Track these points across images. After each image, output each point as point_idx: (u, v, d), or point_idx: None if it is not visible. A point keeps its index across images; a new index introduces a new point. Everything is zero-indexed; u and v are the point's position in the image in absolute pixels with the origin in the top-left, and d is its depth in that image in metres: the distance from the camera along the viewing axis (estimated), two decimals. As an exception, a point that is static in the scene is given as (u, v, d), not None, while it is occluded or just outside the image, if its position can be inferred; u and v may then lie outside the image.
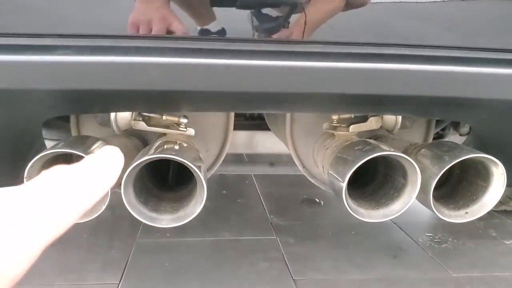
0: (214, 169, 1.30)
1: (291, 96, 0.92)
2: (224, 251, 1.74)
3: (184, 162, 0.92)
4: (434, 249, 1.84)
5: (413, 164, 0.98)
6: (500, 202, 2.06)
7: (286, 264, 1.66)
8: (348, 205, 1.01)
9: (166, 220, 0.98)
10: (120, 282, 1.49)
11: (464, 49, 0.93)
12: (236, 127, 1.68)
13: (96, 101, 0.93)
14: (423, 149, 1.12)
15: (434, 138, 1.56)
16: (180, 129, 1.11)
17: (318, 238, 1.89)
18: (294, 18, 0.88)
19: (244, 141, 1.80)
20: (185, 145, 1.06)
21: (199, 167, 0.94)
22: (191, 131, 1.12)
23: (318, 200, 2.34)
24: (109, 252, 1.70)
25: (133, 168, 0.91)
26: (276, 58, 0.85)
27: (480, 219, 2.14)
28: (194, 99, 0.94)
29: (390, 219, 1.06)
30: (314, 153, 1.29)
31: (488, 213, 2.27)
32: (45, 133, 1.34)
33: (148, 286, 1.49)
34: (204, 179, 0.94)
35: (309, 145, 1.31)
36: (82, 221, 0.96)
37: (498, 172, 1.01)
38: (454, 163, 0.98)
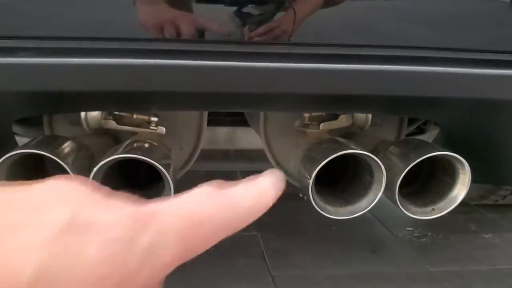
0: (188, 166, 1.31)
1: (258, 97, 0.93)
2: (204, 247, 1.75)
3: (150, 162, 0.93)
4: (413, 244, 1.86)
5: (378, 162, 1.00)
6: (481, 196, 2.09)
7: (265, 260, 1.68)
8: (315, 202, 1.03)
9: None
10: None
11: (429, 49, 0.94)
12: (217, 123, 1.69)
13: (64, 101, 0.94)
14: (391, 147, 1.13)
15: (414, 133, 1.58)
16: (151, 127, 1.12)
17: (298, 234, 1.90)
18: (263, 19, 0.88)
19: (225, 137, 1.81)
20: (155, 144, 1.07)
21: (166, 166, 0.95)
22: (161, 130, 1.13)
23: (300, 195, 2.35)
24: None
25: (99, 168, 0.92)
26: (245, 59, 0.86)
27: (460, 213, 2.17)
28: (162, 99, 0.95)
29: (360, 215, 1.07)
30: (287, 150, 1.31)
31: (469, 207, 2.30)
32: (19, 129, 1.35)
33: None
34: (172, 178, 0.95)
35: (283, 142, 1.33)
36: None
37: (464, 169, 1.03)
38: (418, 160, 1.00)
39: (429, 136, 1.65)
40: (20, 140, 1.13)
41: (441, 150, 1.01)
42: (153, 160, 0.93)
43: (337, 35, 0.91)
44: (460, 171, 1.05)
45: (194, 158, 1.31)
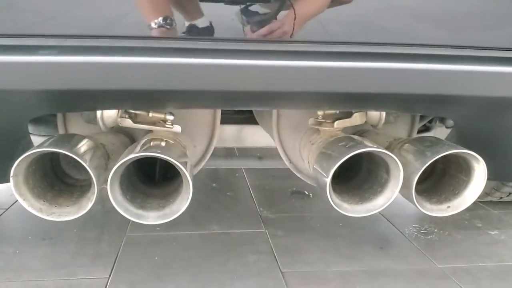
0: (201, 164, 1.32)
1: (276, 95, 0.93)
2: (213, 244, 1.76)
3: (169, 160, 0.93)
4: (420, 240, 1.87)
5: (395, 160, 1.00)
6: (486, 193, 2.10)
7: (275, 256, 1.68)
8: (332, 200, 1.03)
9: (152, 218, 0.99)
10: (110, 276, 1.50)
11: (445, 47, 0.94)
12: (224, 121, 1.69)
13: (81, 100, 0.94)
14: (406, 144, 1.14)
15: (421, 131, 1.59)
16: (167, 126, 1.12)
17: (306, 230, 1.91)
18: (278, 16, 0.88)
19: (232, 135, 1.82)
20: (171, 142, 1.07)
21: (184, 164, 0.95)
22: (177, 128, 1.13)
23: (307, 193, 2.36)
24: (99, 246, 1.71)
25: (119, 166, 0.92)
26: (260, 57, 0.86)
27: (466, 210, 2.18)
28: (179, 97, 0.95)
29: (374, 213, 1.08)
30: (300, 148, 1.31)
31: (474, 204, 2.31)
32: (33, 128, 1.35)
33: (138, 279, 1.50)
34: (190, 176, 0.95)
35: (296, 140, 1.33)
36: (70, 219, 0.97)
37: (479, 167, 1.04)
38: (435, 158, 1.00)
39: (435, 133, 1.66)
40: (34, 139, 1.13)
41: (457, 148, 1.01)
42: (172, 158, 0.93)
43: (357, 33, 0.91)
44: (476, 168, 1.06)
45: (208, 156, 1.31)
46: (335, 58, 0.88)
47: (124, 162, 0.92)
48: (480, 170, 1.04)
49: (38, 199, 0.98)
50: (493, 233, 1.98)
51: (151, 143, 1.02)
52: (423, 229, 1.99)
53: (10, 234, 1.86)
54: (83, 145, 0.99)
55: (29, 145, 1.07)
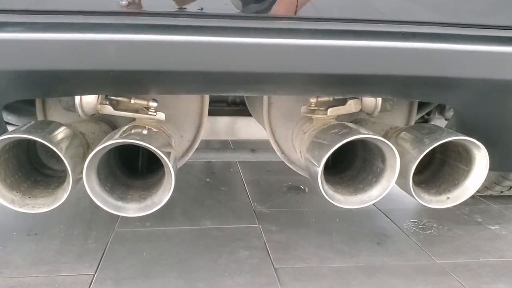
0: (188, 155, 1.26)
1: (265, 77, 0.87)
2: (205, 240, 1.70)
3: (150, 148, 0.87)
4: (418, 235, 1.81)
5: (392, 148, 0.94)
6: (486, 187, 2.04)
7: (268, 252, 1.62)
8: (324, 191, 0.97)
9: (132, 209, 0.93)
10: (95, 273, 1.44)
11: (444, 25, 0.88)
12: (217, 113, 1.63)
13: (54, 83, 0.88)
14: (403, 132, 1.08)
15: (419, 123, 1.53)
16: (150, 113, 1.06)
17: (301, 226, 1.85)
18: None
19: (226, 127, 1.76)
20: (154, 130, 1.01)
21: (167, 154, 0.89)
22: (161, 115, 1.07)
23: (302, 187, 2.30)
24: (86, 243, 1.65)
25: (95, 154, 0.86)
26: (247, 34, 0.80)
27: (465, 204, 2.12)
28: (162, 80, 0.89)
29: (370, 205, 1.02)
30: (293, 138, 1.25)
31: (474, 198, 2.25)
32: (13, 118, 1.29)
33: (124, 276, 1.45)
34: (173, 166, 0.89)
35: (288, 130, 1.27)
36: (45, 211, 0.91)
37: (481, 155, 0.98)
38: (434, 146, 0.94)
39: (434, 125, 1.60)
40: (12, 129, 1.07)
41: (457, 135, 0.95)
42: (153, 146, 0.87)
43: (351, 9, 0.85)
44: (477, 157, 1.00)
45: (195, 147, 1.25)
46: (326, 36, 0.81)
47: (101, 149, 0.86)
48: (481, 159, 0.98)
49: (11, 190, 0.92)
50: (493, 228, 1.92)
51: (132, 131, 0.95)
52: (422, 224, 1.93)
53: (-6, 229, 1.80)
54: (59, 133, 0.93)
55: (2, 130, 1.01)
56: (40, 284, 1.37)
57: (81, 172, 0.92)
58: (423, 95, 1.04)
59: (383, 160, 1.00)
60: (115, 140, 0.86)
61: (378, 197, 1.00)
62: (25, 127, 0.90)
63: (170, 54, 0.77)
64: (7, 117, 1.34)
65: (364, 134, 0.93)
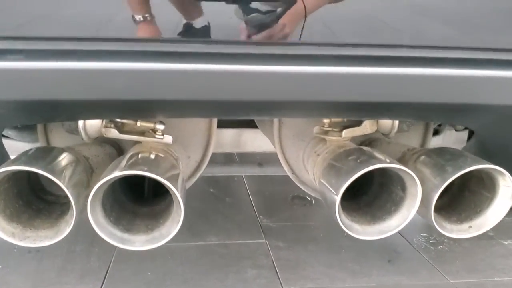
0: (196, 176, 1.20)
1: (278, 104, 0.82)
2: (210, 258, 1.65)
3: (158, 179, 0.82)
4: (429, 252, 1.76)
5: (413, 177, 0.89)
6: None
7: (276, 271, 1.57)
8: (341, 221, 0.92)
9: (139, 242, 0.88)
10: (98, 295, 1.40)
11: (465, 49, 0.82)
12: (223, 125, 1.58)
13: (57, 110, 0.82)
14: (423, 156, 1.03)
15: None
16: (157, 136, 1.01)
17: (309, 241, 1.80)
18: (278, 16, 0.77)
19: (231, 139, 1.70)
20: (161, 155, 0.96)
21: (175, 183, 0.84)
22: (168, 139, 1.02)
23: (308, 198, 2.25)
24: (88, 261, 1.60)
25: (99, 186, 0.81)
26: (257, 62, 0.75)
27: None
28: (169, 107, 0.83)
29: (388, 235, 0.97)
30: (304, 158, 1.20)
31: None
32: (15, 134, 1.23)
33: (128, 298, 1.40)
34: (182, 197, 0.84)
35: (299, 149, 1.22)
36: (46, 245, 0.86)
37: (506, 183, 0.93)
38: (458, 175, 0.89)
39: (444, 137, 1.55)
40: (16, 146, 1.02)
41: (482, 163, 0.90)
42: (160, 176, 0.82)
43: (367, 33, 0.79)
44: (501, 185, 0.95)
45: (203, 168, 1.20)
46: (342, 63, 0.76)
47: (105, 182, 0.81)
48: (506, 187, 0.93)
49: (10, 222, 0.87)
50: (506, 243, 1.87)
51: (138, 158, 0.90)
52: (432, 238, 1.88)
53: (-6, 246, 1.75)
54: (61, 162, 0.88)
55: (3, 158, 0.96)
56: (41, 308, 1.33)
57: (85, 202, 0.87)
58: (445, 118, 0.99)
59: (403, 188, 0.94)
60: (120, 172, 0.81)
61: (397, 227, 0.95)
62: (25, 156, 0.85)
63: (180, 83, 0.72)
64: (8, 132, 1.28)
65: (386, 163, 0.88)
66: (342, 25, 0.78)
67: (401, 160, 1.08)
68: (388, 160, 0.90)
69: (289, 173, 1.25)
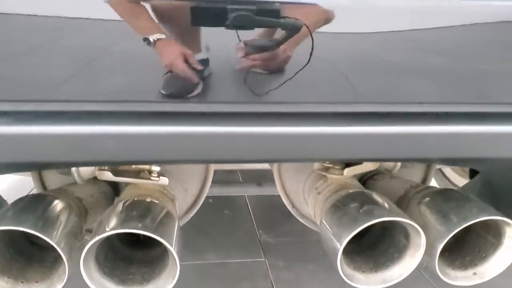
0: (193, 211, 1.18)
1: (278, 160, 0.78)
2: (209, 281, 1.63)
3: (154, 237, 0.79)
4: (430, 270, 1.73)
5: (418, 229, 0.86)
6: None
7: (275, 294, 1.55)
8: (343, 272, 0.89)
9: (134, 296, 0.85)
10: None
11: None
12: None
13: (49, 165, 0.79)
14: (427, 199, 0.99)
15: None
16: (152, 178, 0.98)
17: (308, 260, 1.77)
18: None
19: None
20: (156, 202, 0.93)
21: (171, 240, 0.81)
22: (164, 181, 0.98)
23: (309, 211, 2.22)
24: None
25: (91, 245, 0.78)
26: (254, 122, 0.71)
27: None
28: (163, 162, 0.80)
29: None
30: (305, 193, 1.17)
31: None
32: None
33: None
34: (177, 252, 0.81)
35: (299, 183, 1.19)
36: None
37: (511, 232, 0.90)
38: (463, 227, 0.86)
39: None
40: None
41: (488, 214, 0.87)
42: (155, 233, 0.79)
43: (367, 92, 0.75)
44: (507, 233, 0.92)
45: (201, 201, 1.17)
46: (344, 122, 0.73)
47: (97, 241, 0.78)
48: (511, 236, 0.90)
49: (2, 276, 0.84)
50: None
51: (132, 210, 0.87)
52: (434, 256, 1.85)
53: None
54: (51, 214, 0.85)
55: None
56: None
57: (78, 254, 0.84)
58: (450, 163, 0.96)
59: (406, 236, 0.92)
60: (112, 231, 0.78)
61: (401, 276, 0.92)
62: (15, 212, 0.82)
63: (174, 147, 0.68)
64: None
65: (391, 217, 0.85)
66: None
67: (404, 198, 1.05)
68: (392, 211, 0.87)
69: (289, 207, 1.22)
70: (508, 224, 0.89)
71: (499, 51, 0.75)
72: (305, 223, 1.23)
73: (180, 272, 1.75)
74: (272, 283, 1.62)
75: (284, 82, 0.70)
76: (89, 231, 1.03)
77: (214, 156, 0.70)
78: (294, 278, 1.66)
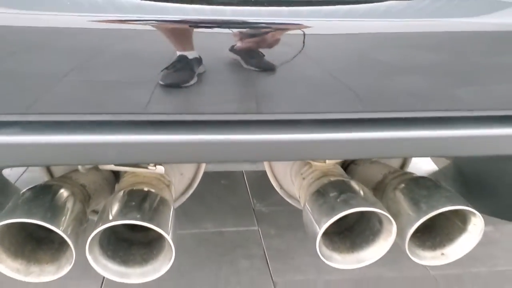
0: (189, 192, 1.27)
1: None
2: (206, 247, 1.75)
3: (151, 227, 0.89)
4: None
5: (390, 218, 0.95)
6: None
7: (267, 261, 1.68)
8: (321, 253, 1.00)
9: (135, 275, 0.96)
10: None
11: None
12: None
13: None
14: (402, 185, 1.08)
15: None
16: (150, 168, 1.06)
17: (299, 228, 1.88)
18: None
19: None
20: (153, 191, 1.02)
21: (166, 228, 0.90)
22: (160, 169, 1.07)
23: (302, 179, 2.32)
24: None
25: (95, 234, 0.88)
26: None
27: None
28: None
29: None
30: (292, 176, 1.26)
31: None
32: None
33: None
34: (173, 239, 0.91)
35: (286, 166, 1.27)
36: (50, 280, 0.94)
37: (476, 221, 0.99)
38: (430, 215, 0.96)
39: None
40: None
41: (455, 203, 0.96)
42: (152, 223, 0.89)
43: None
44: (472, 222, 1.01)
45: (196, 184, 1.26)
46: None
47: (100, 230, 0.87)
48: (477, 223, 1.00)
49: (15, 259, 0.94)
50: (487, 229, 1.95)
51: (131, 200, 0.96)
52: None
53: None
54: (57, 203, 0.94)
55: (9, 188, 1.02)
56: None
57: (83, 238, 0.94)
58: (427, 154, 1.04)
59: (380, 222, 1.01)
60: (114, 221, 0.87)
61: (374, 259, 1.02)
62: (26, 203, 0.91)
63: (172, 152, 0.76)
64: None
65: (366, 207, 0.94)
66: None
67: (381, 183, 1.14)
68: (368, 200, 0.96)
69: (277, 189, 1.31)
70: (473, 213, 0.98)
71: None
72: (292, 203, 1.32)
73: (179, 240, 1.86)
74: (264, 250, 1.74)
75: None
76: (95, 212, 1.13)
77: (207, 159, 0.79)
78: (285, 245, 1.77)
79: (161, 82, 0.72)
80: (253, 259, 1.69)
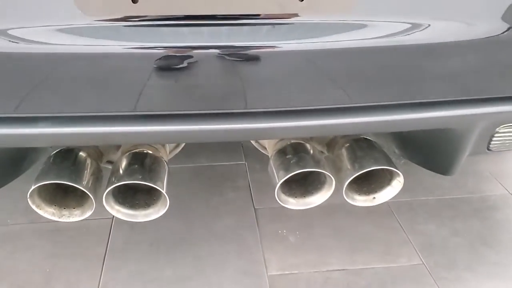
0: (180, 146, 1.57)
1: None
2: (200, 179, 2.07)
3: (149, 185, 1.20)
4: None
5: (330, 176, 1.26)
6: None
7: (251, 193, 2.01)
8: (279, 199, 1.32)
9: (140, 216, 1.30)
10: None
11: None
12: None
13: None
14: (347, 145, 1.37)
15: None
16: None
17: (280, 163, 2.20)
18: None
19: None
20: (150, 152, 1.32)
21: (161, 184, 1.22)
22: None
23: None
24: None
25: (108, 191, 1.20)
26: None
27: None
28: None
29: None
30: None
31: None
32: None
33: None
34: (166, 193, 1.23)
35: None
36: (78, 220, 1.28)
37: (399, 179, 1.30)
38: (359, 173, 1.26)
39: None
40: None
41: (380, 164, 1.26)
42: (150, 182, 1.20)
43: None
44: (396, 178, 1.32)
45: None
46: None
47: (111, 189, 1.19)
48: (400, 180, 1.30)
49: (50, 205, 1.27)
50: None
51: (134, 164, 1.27)
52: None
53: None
54: (80, 164, 1.25)
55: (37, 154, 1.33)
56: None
57: (101, 190, 1.26)
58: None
59: (325, 175, 1.32)
60: (121, 181, 1.19)
61: (319, 202, 1.34)
62: (55, 167, 1.22)
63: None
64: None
65: (312, 168, 1.24)
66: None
67: (333, 141, 1.43)
68: (316, 161, 1.26)
69: (252, 142, 1.60)
70: (397, 173, 1.28)
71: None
72: (264, 153, 1.63)
73: (177, 172, 2.18)
74: (249, 183, 2.07)
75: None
76: (110, 162, 1.44)
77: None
78: (266, 178, 2.10)
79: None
80: (239, 191, 2.02)
